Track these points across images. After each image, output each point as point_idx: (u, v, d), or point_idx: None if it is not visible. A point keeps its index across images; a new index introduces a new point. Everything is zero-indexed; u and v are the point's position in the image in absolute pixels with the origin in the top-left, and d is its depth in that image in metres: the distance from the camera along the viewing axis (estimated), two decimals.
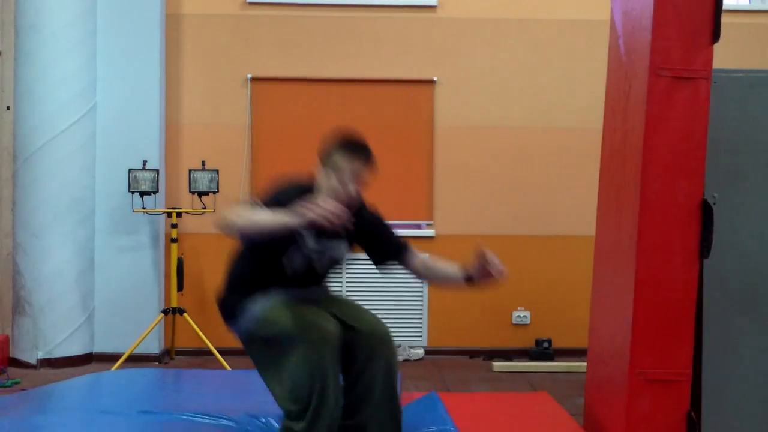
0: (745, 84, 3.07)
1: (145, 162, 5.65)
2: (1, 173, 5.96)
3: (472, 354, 6.12)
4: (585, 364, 3.93)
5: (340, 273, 6.15)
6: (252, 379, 4.35)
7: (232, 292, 3.08)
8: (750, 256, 3.07)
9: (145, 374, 4.40)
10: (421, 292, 6.20)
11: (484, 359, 6.00)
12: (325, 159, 3.18)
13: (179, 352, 5.99)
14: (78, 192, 5.62)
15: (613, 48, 3.63)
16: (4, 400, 3.69)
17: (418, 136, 6.20)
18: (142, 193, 5.56)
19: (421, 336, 6.20)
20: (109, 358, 5.60)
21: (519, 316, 6.20)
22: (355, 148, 3.17)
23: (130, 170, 5.55)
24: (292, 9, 6.18)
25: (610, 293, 3.41)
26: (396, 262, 3.36)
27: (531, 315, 6.20)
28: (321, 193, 3.06)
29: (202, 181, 5.65)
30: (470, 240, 6.21)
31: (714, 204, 2.94)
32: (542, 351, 5.99)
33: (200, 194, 5.69)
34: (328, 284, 3.22)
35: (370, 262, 6.24)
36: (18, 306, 5.62)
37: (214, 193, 5.69)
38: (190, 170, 5.69)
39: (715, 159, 2.97)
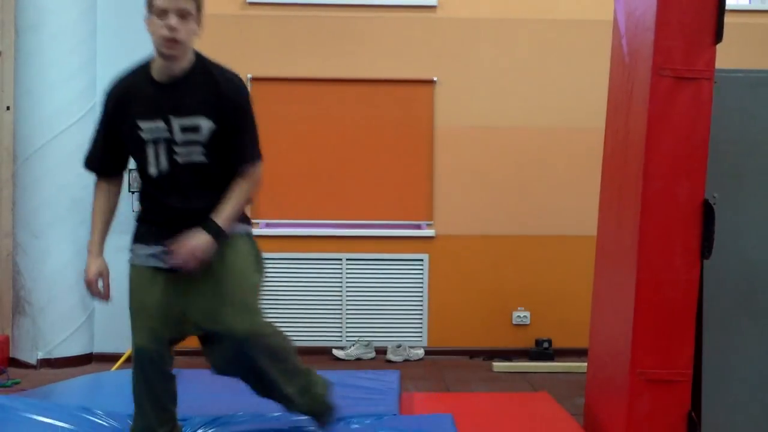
0: (746, 84, 3.07)
1: None
2: (1, 173, 5.96)
3: (472, 354, 6.12)
4: (585, 364, 3.93)
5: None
6: None
7: None
8: (750, 256, 3.07)
9: None
10: (421, 292, 6.20)
11: (484, 359, 6.00)
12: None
13: (179, 352, 5.94)
14: (78, 192, 5.61)
15: (615, 48, 3.63)
16: (4, 400, 3.68)
17: (418, 136, 6.20)
18: None
19: (421, 336, 6.20)
20: (109, 358, 5.60)
21: (519, 316, 6.20)
22: None
23: (130, 170, 5.53)
24: (292, 9, 6.17)
25: (611, 293, 3.41)
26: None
27: (531, 315, 6.20)
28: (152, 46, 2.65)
29: None
30: (470, 240, 6.24)
31: (714, 204, 2.94)
32: (542, 351, 5.99)
33: None
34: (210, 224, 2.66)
35: (369, 261, 6.23)
36: (18, 306, 5.61)
37: None
38: None
39: (714, 159, 2.97)
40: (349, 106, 6.17)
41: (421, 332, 6.20)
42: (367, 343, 6.00)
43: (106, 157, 2.81)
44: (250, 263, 2.77)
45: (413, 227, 6.25)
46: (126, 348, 5.50)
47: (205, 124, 2.62)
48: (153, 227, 2.79)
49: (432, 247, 6.21)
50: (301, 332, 6.15)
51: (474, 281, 6.19)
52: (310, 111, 6.15)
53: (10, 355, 5.62)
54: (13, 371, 5.39)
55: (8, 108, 5.89)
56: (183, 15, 2.58)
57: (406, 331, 6.19)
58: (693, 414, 2.97)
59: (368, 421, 3.31)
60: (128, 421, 3.25)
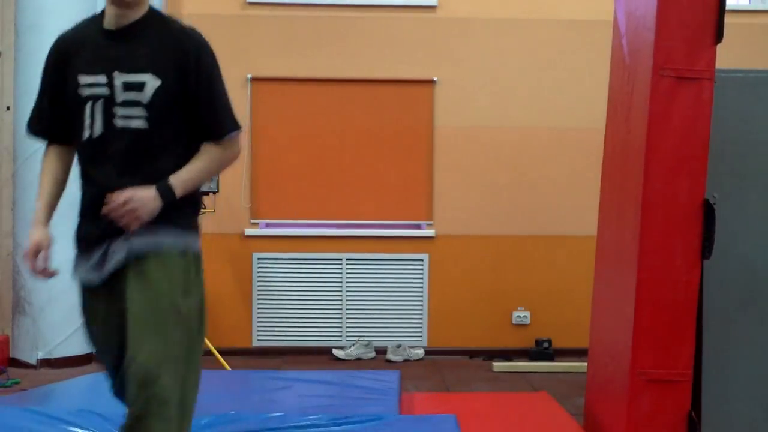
0: (746, 84, 3.08)
1: None
2: (1, 173, 5.96)
3: (472, 354, 6.12)
4: (585, 364, 3.93)
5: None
6: (252, 379, 4.36)
7: None
8: (750, 256, 3.07)
9: None
10: (421, 292, 6.20)
11: (484, 359, 6.00)
12: None
13: None
14: (79, 192, 5.60)
15: (616, 48, 3.63)
16: (4, 400, 3.68)
17: (418, 136, 6.20)
18: None
19: (421, 336, 6.20)
20: None
21: (519, 316, 6.20)
22: None
23: None
24: (292, 9, 6.17)
25: (611, 293, 3.41)
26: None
27: (531, 315, 6.20)
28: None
29: None
30: (470, 240, 6.24)
31: (714, 204, 2.94)
32: (542, 351, 5.99)
33: None
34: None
35: (369, 261, 6.21)
36: (18, 306, 5.61)
37: (214, 193, 5.68)
38: None
39: (714, 159, 2.97)
40: (349, 106, 6.17)
41: (421, 332, 6.20)
42: (367, 343, 6.00)
43: (51, 119, 2.34)
44: (176, 285, 2.22)
45: (413, 227, 6.25)
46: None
47: (151, 83, 2.19)
48: (87, 224, 2.35)
49: (432, 247, 6.21)
50: (301, 332, 6.16)
51: (474, 281, 6.19)
52: (310, 111, 6.15)
53: (10, 355, 5.62)
54: (13, 371, 5.39)
55: (8, 108, 5.89)
56: None
57: (406, 331, 6.19)
58: (693, 414, 2.97)
59: (371, 422, 3.30)
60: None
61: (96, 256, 2.30)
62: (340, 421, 3.26)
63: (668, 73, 2.89)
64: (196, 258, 2.38)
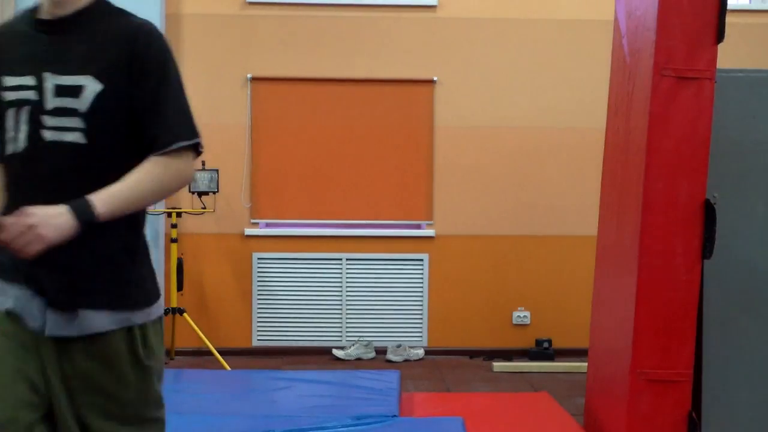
0: (746, 84, 3.08)
1: None
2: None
3: (472, 354, 6.11)
4: (585, 364, 3.93)
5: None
6: (252, 379, 4.36)
7: None
8: (751, 256, 3.07)
9: None
10: (421, 292, 6.20)
11: (484, 359, 6.00)
12: None
13: (179, 352, 5.98)
14: None
15: (616, 48, 3.63)
16: None
17: (418, 136, 6.20)
18: None
19: (421, 336, 6.20)
20: None
21: (519, 316, 6.20)
22: None
23: None
24: (292, 9, 6.17)
25: (611, 293, 3.41)
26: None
27: (531, 315, 6.20)
28: None
29: (202, 181, 5.65)
30: (470, 240, 6.23)
31: (715, 204, 2.94)
32: (542, 351, 5.99)
33: (200, 194, 5.68)
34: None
35: (369, 261, 6.20)
36: None
37: (214, 193, 5.69)
38: None
39: (715, 159, 2.97)
40: (349, 106, 6.17)
41: (421, 332, 6.20)
42: (367, 343, 6.00)
43: None
44: (131, 367, 1.84)
45: (413, 227, 6.24)
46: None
47: (91, 86, 1.76)
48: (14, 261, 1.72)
49: (432, 247, 6.21)
50: (301, 332, 6.15)
51: (474, 281, 6.19)
52: (310, 111, 6.15)
53: None
54: None
55: None
56: None
57: (406, 331, 6.19)
58: (693, 414, 2.97)
59: (374, 423, 3.30)
60: None
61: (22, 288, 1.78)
62: (344, 422, 3.25)
63: (669, 73, 2.89)
64: (152, 330, 1.90)
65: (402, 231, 6.21)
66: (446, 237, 6.20)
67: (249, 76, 6.10)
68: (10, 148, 1.80)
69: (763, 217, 3.08)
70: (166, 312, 5.61)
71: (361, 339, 6.05)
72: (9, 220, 1.62)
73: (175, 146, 1.80)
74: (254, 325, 6.15)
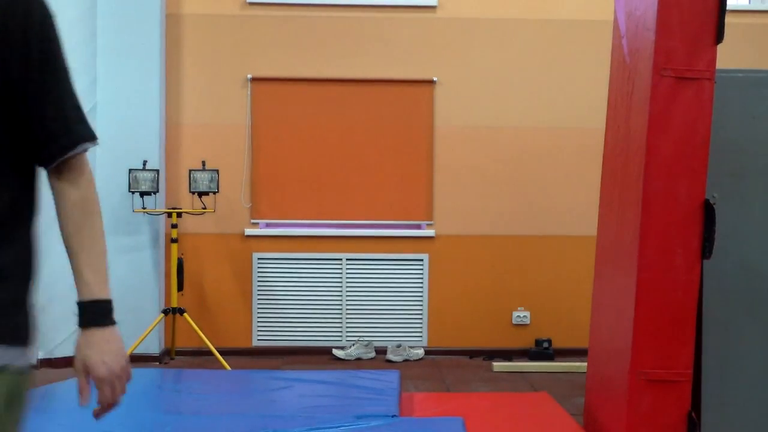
0: (746, 84, 3.08)
1: (145, 162, 5.64)
2: None
3: (472, 354, 6.12)
4: (585, 364, 3.93)
5: (340, 272, 6.14)
6: (252, 379, 4.36)
7: None
8: (750, 256, 3.07)
9: (145, 374, 4.40)
10: (421, 292, 6.20)
11: (484, 359, 6.00)
12: None
13: (179, 352, 5.99)
14: None
15: (616, 48, 3.63)
16: None
17: (418, 136, 6.20)
18: (143, 193, 5.56)
19: (421, 336, 6.20)
20: None
21: (519, 316, 6.20)
22: None
23: (130, 170, 5.55)
24: (292, 9, 6.17)
25: (611, 293, 3.41)
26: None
27: (531, 315, 6.20)
28: None
29: (202, 181, 5.65)
30: (470, 240, 6.24)
31: (714, 204, 2.94)
32: (542, 351, 5.99)
33: (200, 194, 5.69)
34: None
35: (369, 261, 6.17)
36: None
37: (214, 193, 5.69)
38: (190, 170, 5.69)
39: (714, 159, 2.97)
40: (349, 106, 6.17)
41: (421, 332, 6.20)
42: (367, 343, 6.00)
43: None
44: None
45: (413, 227, 6.25)
46: (126, 348, 5.49)
47: None
48: None
49: (432, 247, 6.21)
50: (301, 332, 6.16)
51: (474, 281, 6.19)
52: (310, 111, 6.15)
53: None
54: None
55: None
56: None
57: (406, 331, 6.19)
58: (693, 414, 2.97)
59: (374, 423, 3.30)
60: (128, 420, 3.25)
61: None
62: (344, 422, 3.26)
63: (668, 73, 2.90)
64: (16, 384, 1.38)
65: (402, 231, 6.21)
66: (446, 237, 6.20)
67: (249, 76, 6.10)
68: None
69: (763, 217, 3.08)
70: (167, 312, 5.61)
71: (361, 339, 6.05)
72: (99, 383, 1.39)
73: (80, 149, 1.46)
74: (254, 325, 6.15)
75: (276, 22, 6.16)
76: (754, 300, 3.08)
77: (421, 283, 6.19)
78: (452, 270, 6.19)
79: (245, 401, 3.73)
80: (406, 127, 6.19)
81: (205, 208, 5.73)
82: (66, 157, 1.43)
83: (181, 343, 5.97)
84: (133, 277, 5.78)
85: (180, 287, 5.70)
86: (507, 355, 6.05)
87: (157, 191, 5.59)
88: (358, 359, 5.93)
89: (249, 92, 6.12)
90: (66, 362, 5.56)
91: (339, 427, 3.18)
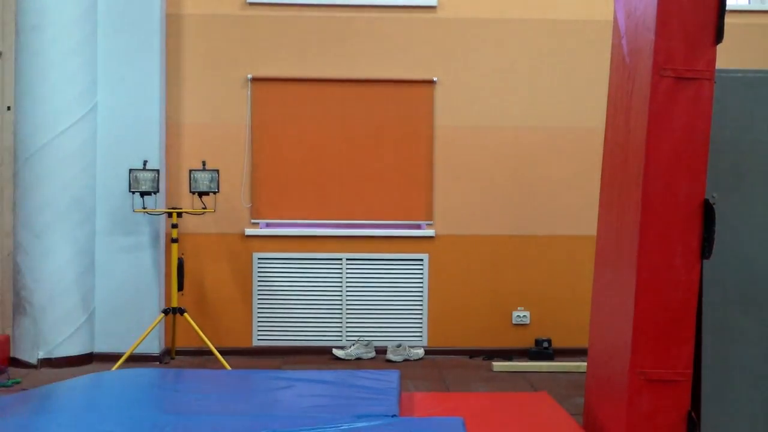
0: (745, 84, 3.08)
1: (145, 162, 5.65)
2: (2, 173, 5.96)
3: (472, 354, 6.12)
4: (585, 364, 3.93)
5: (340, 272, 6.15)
6: (252, 379, 4.36)
7: None
8: (750, 256, 3.07)
9: (146, 374, 4.40)
10: (421, 292, 6.20)
11: (484, 359, 6.00)
12: None
13: (179, 352, 5.99)
14: (78, 192, 5.62)
15: (616, 48, 3.63)
16: (5, 400, 3.69)
17: (418, 136, 6.20)
18: (143, 193, 5.56)
19: (421, 336, 6.20)
20: (110, 358, 5.60)
21: (519, 316, 6.20)
22: None
23: (130, 170, 5.56)
24: (292, 9, 6.18)
25: (611, 293, 3.41)
26: None
27: (531, 315, 6.20)
28: None
29: (203, 181, 5.66)
30: (470, 240, 6.24)
31: (714, 204, 2.94)
32: (542, 351, 6.00)
33: (200, 194, 5.69)
34: None
35: (369, 261, 6.19)
36: (19, 306, 5.62)
37: (215, 193, 5.69)
38: (190, 170, 5.69)
39: (714, 159, 2.97)
40: (350, 106, 6.17)
41: (421, 332, 6.21)
42: (367, 342, 6.00)
43: None
44: None
45: (413, 227, 6.25)
46: (126, 348, 5.51)
47: None
48: None
49: (432, 247, 6.21)
50: (301, 332, 6.16)
51: (474, 281, 6.20)
52: (310, 111, 6.16)
53: (11, 355, 5.63)
54: (13, 371, 5.40)
55: (9, 108, 5.90)
56: None
57: (406, 331, 6.19)
58: (693, 414, 2.97)
59: (374, 423, 3.30)
60: (128, 420, 3.25)
61: None
62: (344, 422, 3.25)
63: (668, 73, 2.90)
64: None
65: (402, 231, 6.21)
66: (446, 237, 6.20)
67: (249, 76, 6.11)
68: None
69: (763, 217, 3.08)
70: (167, 312, 5.62)
71: (361, 339, 6.06)
72: None
73: None
74: (254, 325, 6.15)
75: (276, 22, 6.16)
76: (754, 300, 3.08)
77: (421, 283, 6.19)
78: (452, 270, 6.19)
79: (245, 401, 3.73)
80: (406, 127, 6.20)
81: (205, 208, 5.74)
82: None
83: (181, 343, 5.97)
84: (133, 277, 5.79)
85: (180, 287, 5.70)
86: (507, 354, 6.05)
87: (158, 191, 5.60)
88: (358, 359, 5.93)
89: (249, 92, 6.13)
90: (66, 362, 5.57)
91: (339, 427, 3.18)
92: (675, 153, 2.92)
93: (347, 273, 6.16)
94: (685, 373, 2.96)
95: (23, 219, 5.57)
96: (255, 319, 6.16)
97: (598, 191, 3.84)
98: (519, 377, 5.43)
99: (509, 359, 5.94)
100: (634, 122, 3.14)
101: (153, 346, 5.74)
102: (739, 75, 3.08)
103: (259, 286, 6.15)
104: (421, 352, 6.06)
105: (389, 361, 5.91)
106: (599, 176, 3.85)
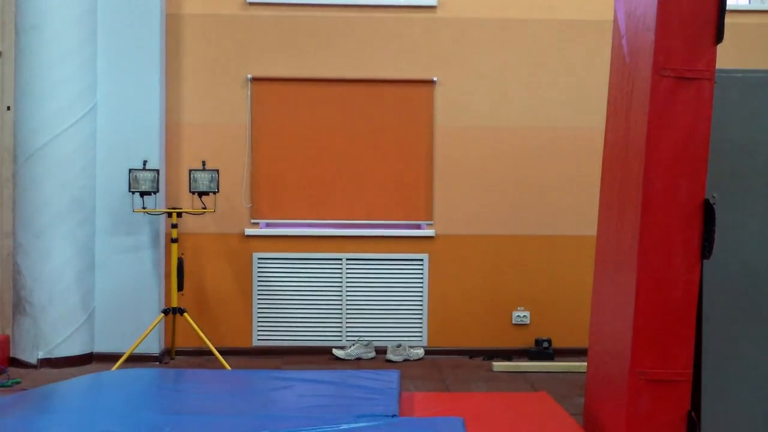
0: (745, 84, 3.08)
1: (145, 162, 5.65)
2: (1, 173, 5.96)
3: (472, 354, 6.12)
4: (585, 364, 3.93)
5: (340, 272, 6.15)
6: (252, 379, 4.36)
7: None
8: (750, 256, 3.07)
9: (146, 374, 4.40)
10: (421, 292, 6.20)
11: (484, 359, 6.00)
12: None
13: (179, 352, 5.99)
14: (78, 192, 5.62)
15: (616, 48, 3.63)
16: (5, 400, 3.68)
17: (418, 136, 6.20)
18: (143, 193, 5.56)
19: (421, 336, 6.20)
20: (109, 358, 5.60)
21: (519, 316, 6.20)
22: None
23: (130, 170, 5.55)
24: (292, 9, 6.18)
25: (611, 293, 3.41)
26: None
27: (531, 315, 6.21)
28: None
29: (203, 181, 5.66)
30: (470, 240, 6.24)
31: (714, 204, 2.94)
32: (542, 351, 6.00)
33: (200, 194, 5.69)
34: None
35: (369, 261, 6.22)
36: (18, 306, 5.62)
37: (215, 193, 5.69)
38: (190, 170, 5.69)
39: (714, 159, 2.97)
40: (349, 106, 6.17)
41: (421, 332, 6.21)
42: (367, 342, 6.00)
43: None
44: None
45: (413, 227, 6.25)
46: (126, 348, 5.51)
47: None
48: None
49: (432, 247, 6.21)
50: (301, 332, 6.16)
51: (474, 281, 6.20)
52: (310, 111, 6.16)
53: (11, 355, 5.63)
54: (13, 371, 5.40)
55: (9, 108, 5.90)
56: None
57: (406, 331, 6.19)
58: (693, 414, 2.97)
59: (374, 423, 3.30)
60: (129, 420, 3.25)
61: None
62: (344, 422, 3.25)
63: (668, 73, 2.90)
64: None
65: (402, 231, 6.21)
66: (446, 237, 6.20)
67: (249, 76, 6.11)
68: None
69: (763, 216, 3.08)
70: (167, 312, 5.62)
71: (361, 339, 6.06)
72: None
73: None
74: (254, 325, 6.15)
75: (276, 22, 6.16)
76: (754, 300, 3.08)
77: (421, 283, 6.19)
78: (452, 270, 6.19)
79: (245, 401, 3.73)
80: (406, 127, 6.20)
81: (205, 208, 5.74)
82: None
83: (181, 343, 5.97)
84: (133, 277, 5.79)
85: (180, 287, 5.70)
86: (507, 354, 6.06)
87: (157, 191, 5.60)
88: (358, 359, 5.93)
89: (249, 92, 6.13)
90: (66, 362, 5.58)
91: (339, 427, 3.18)
92: (675, 153, 2.92)
93: (347, 273, 6.16)
94: (685, 373, 2.96)
95: (23, 219, 5.57)
96: (255, 319, 6.16)
97: (598, 191, 3.84)
98: (519, 377, 5.43)
99: (509, 359, 5.94)
100: (634, 122, 3.14)
101: (153, 346, 5.74)
102: (739, 75, 3.08)
103: (259, 286, 6.15)
104: (421, 352, 6.06)
105: (389, 361, 5.91)
106: (599, 176, 3.85)
